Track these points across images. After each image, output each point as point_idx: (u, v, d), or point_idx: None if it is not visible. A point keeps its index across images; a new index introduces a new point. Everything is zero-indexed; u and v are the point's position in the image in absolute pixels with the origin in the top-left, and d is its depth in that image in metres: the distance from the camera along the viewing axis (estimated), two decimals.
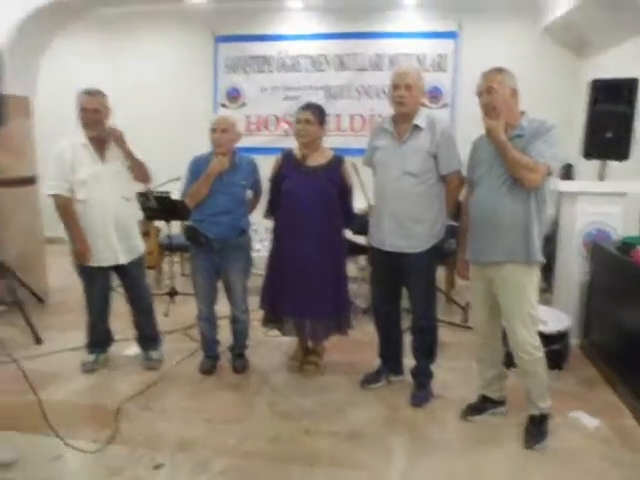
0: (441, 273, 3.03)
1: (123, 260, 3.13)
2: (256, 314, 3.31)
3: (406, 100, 2.68)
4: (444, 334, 3.34)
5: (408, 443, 2.57)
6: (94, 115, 2.93)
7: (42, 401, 2.70)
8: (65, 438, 2.46)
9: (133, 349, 3.42)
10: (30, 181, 4.47)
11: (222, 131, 2.99)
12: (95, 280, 3.16)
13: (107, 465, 2.37)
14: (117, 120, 3.08)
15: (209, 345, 3.29)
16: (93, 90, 2.96)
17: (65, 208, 3.02)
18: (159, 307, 4.05)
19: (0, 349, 3.31)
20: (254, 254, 3.39)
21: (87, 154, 2.99)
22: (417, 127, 2.72)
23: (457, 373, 3.21)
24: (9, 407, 2.78)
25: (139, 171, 3.07)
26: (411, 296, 2.91)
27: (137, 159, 3.03)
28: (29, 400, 2.81)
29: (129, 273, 3.21)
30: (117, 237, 3.07)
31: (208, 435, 2.60)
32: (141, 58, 6.32)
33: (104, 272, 3.16)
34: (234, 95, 6.15)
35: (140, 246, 3.25)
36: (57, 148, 3.00)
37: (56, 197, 3.00)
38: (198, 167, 3.04)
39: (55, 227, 6.37)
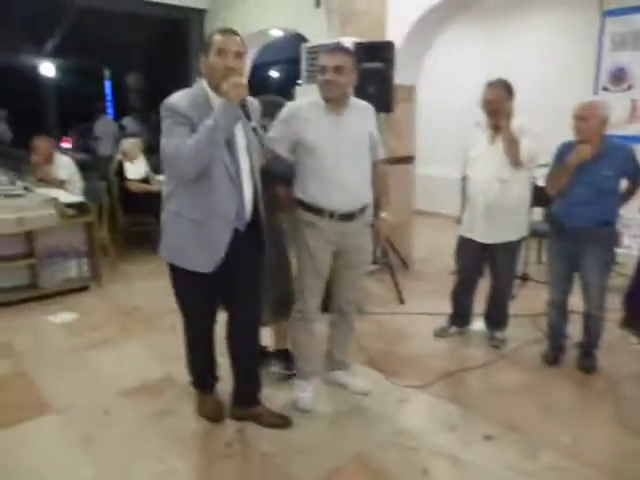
0: None
1: (486, 239, 3.23)
2: (614, 314, 3.03)
3: None
4: None
5: None
6: (491, 105, 3.08)
7: (398, 353, 3.19)
8: (413, 387, 2.86)
9: (479, 324, 3.59)
10: (409, 160, 5.08)
11: (581, 118, 2.79)
12: (466, 252, 3.37)
13: (442, 419, 2.63)
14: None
15: (556, 335, 3.19)
16: (494, 81, 3.12)
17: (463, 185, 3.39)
18: None
19: (371, 303, 3.99)
20: (622, 250, 3.08)
21: (483, 136, 3.20)
22: None
23: None
24: (373, 350, 3.31)
25: (509, 154, 3.07)
26: None
27: (513, 144, 3.04)
28: (389, 349, 3.36)
29: (493, 254, 3.30)
30: (484, 216, 3.18)
31: (541, 424, 2.58)
32: (518, 44, 6.30)
33: (476, 246, 3.29)
34: (619, 76, 5.38)
35: (511, 232, 3.22)
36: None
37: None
38: (563, 153, 2.94)
39: (424, 201, 7.08)
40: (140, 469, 2.27)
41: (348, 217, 2.52)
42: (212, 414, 2.60)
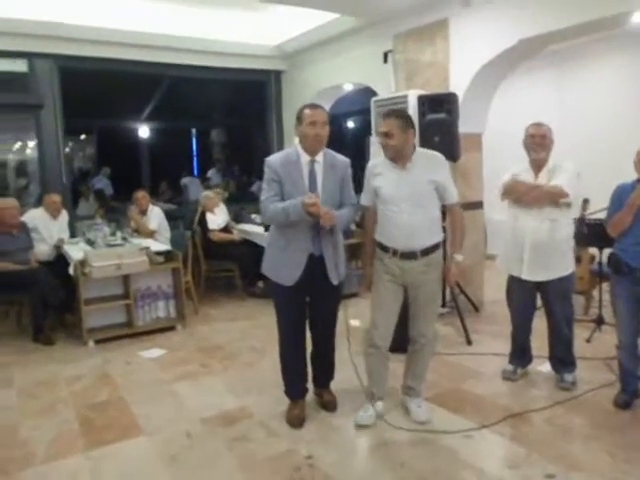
0: None
1: (536, 277, 3.29)
2: None
3: None
4: None
5: None
6: (543, 140, 3.23)
7: (464, 391, 3.29)
8: (477, 423, 2.93)
9: (547, 366, 3.56)
10: (478, 205, 5.19)
11: None
12: (519, 291, 3.43)
13: (505, 457, 2.67)
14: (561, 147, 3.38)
15: (627, 378, 3.12)
16: (539, 123, 3.29)
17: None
18: (583, 333, 4.08)
19: (440, 344, 4.06)
20: None
21: (525, 177, 3.33)
22: None
23: None
24: (439, 388, 3.41)
25: (553, 202, 3.19)
26: None
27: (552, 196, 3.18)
28: (455, 387, 3.45)
29: (547, 293, 3.35)
30: (532, 255, 3.25)
31: (608, 466, 2.53)
32: (586, 87, 6.39)
33: (527, 285, 3.35)
34: None
35: (562, 268, 3.27)
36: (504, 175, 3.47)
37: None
38: (620, 195, 2.99)
39: (494, 245, 7.04)
40: None
41: (409, 256, 2.83)
42: (292, 421, 3.00)
